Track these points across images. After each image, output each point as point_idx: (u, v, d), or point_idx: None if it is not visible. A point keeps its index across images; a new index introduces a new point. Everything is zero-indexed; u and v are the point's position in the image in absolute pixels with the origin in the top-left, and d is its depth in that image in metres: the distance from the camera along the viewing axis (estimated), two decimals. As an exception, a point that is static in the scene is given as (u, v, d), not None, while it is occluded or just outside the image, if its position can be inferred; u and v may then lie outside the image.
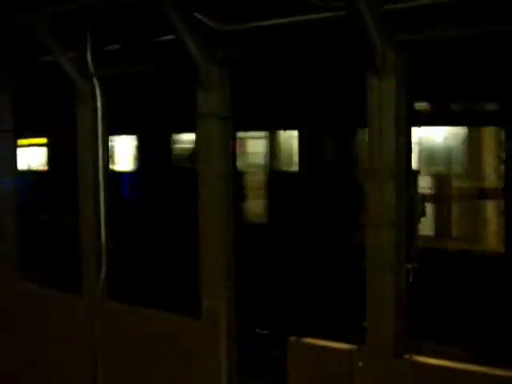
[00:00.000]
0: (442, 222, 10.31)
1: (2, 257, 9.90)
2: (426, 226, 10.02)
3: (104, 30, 8.13)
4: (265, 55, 7.05)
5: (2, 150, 9.82)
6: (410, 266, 6.33)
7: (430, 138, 10.73)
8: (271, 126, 13.33)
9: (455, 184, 10.87)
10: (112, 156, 16.48)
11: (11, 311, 9.84)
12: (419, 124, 11.24)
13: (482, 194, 10.30)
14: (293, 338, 7.20)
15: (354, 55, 6.33)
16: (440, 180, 10.53)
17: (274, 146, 14.57)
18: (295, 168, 12.07)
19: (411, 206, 6.41)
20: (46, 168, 17.56)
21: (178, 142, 16.32)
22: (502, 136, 8.11)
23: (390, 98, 6.16)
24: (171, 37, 7.47)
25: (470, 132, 10.54)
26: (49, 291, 9.42)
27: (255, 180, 12.27)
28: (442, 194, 10.50)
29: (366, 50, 6.10)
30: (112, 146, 16.76)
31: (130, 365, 8.37)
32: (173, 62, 7.76)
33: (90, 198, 8.54)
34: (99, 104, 8.28)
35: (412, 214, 6.43)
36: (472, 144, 10.54)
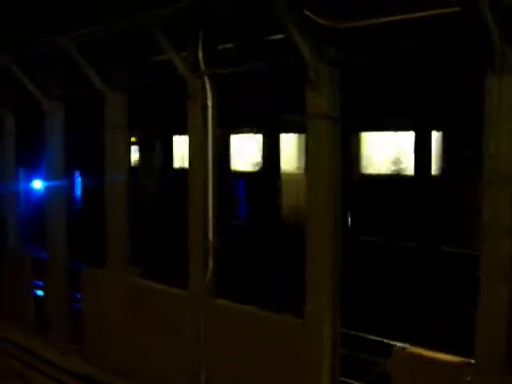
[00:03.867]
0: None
1: (116, 252, 10.19)
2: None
3: (215, 30, 8.17)
4: (376, 53, 6.84)
5: (118, 146, 10.08)
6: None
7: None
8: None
9: None
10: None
11: (124, 303, 10.12)
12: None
13: None
14: (397, 346, 6.97)
15: (470, 52, 6.02)
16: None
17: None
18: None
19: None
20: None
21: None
22: None
23: (510, 98, 5.80)
24: (281, 36, 7.40)
25: None
26: (159, 286, 9.59)
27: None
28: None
29: (485, 46, 5.77)
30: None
31: (231, 360, 8.38)
32: (282, 61, 7.68)
33: (199, 196, 8.60)
34: (210, 102, 8.33)
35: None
36: None
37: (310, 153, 7.40)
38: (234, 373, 8.37)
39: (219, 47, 8.35)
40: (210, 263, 8.52)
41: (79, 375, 10.50)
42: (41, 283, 12.80)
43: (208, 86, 8.28)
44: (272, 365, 7.87)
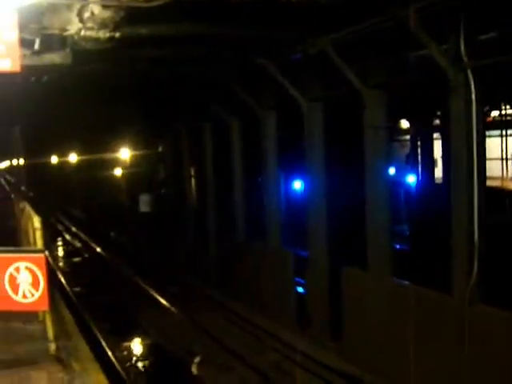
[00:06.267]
0: None
1: (379, 255, 10.14)
2: None
3: (476, 19, 7.66)
4: None
5: (377, 146, 9.96)
6: None
7: None
8: None
9: None
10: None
11: (385, 305, 10.01)
12: None
13: None
14: None
15: None
16: None
17: None
18: None
19: None
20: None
21: None
22: None
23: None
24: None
25: None
26: (421, 289, 9.22)
27: None
28: None
29: None
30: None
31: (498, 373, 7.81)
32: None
33: (463, 195, 8.16)
34: (473, 96, 7.85)
35: None
36: None
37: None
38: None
39: (481, 37, 7.85)
40: (475, 267, 8.01)
41: (337, 371, 10.61)
42: (301, 280, 13.12)
43: (471, 79, 7.81)
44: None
